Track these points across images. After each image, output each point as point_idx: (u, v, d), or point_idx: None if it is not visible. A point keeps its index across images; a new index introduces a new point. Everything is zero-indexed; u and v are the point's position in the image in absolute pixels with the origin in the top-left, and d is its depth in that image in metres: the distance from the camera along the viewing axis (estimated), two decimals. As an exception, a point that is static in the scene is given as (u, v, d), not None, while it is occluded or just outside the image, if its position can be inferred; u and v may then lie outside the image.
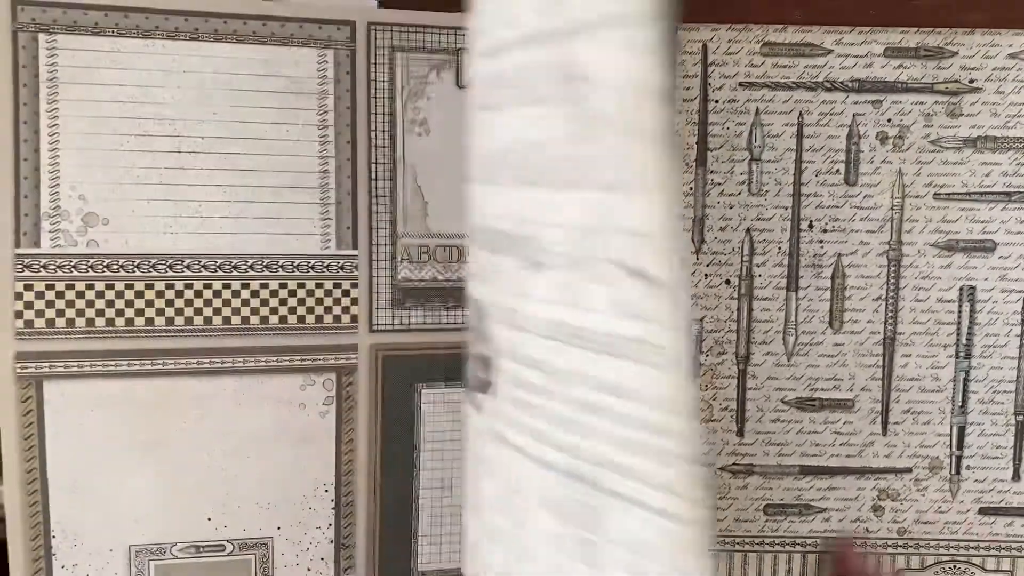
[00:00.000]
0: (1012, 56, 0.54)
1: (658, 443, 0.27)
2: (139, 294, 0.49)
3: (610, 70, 0.26)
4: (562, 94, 0.29)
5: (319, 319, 0.51)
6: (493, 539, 0.38)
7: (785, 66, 0.54)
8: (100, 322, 0.48)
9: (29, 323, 0.48)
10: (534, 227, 0.32)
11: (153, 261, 0.49)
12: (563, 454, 0.31)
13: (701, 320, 0.55)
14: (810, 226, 0.54)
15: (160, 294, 0.49)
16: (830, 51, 0.54)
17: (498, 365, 0.36)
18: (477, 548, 0.40)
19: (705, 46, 0.54)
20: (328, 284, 0.51)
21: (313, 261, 0.51)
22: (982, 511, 0.55)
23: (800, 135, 0.54)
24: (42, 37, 0.47)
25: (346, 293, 0.51)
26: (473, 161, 0.37)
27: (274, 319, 0.50)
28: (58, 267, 0.48)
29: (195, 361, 0.49)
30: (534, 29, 0.30)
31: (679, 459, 0.26)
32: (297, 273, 0.51)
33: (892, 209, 0.54)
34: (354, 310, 0.51)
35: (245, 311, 0.50)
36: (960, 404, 0.55)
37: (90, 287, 0.48)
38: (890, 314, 0.55)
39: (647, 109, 0.25)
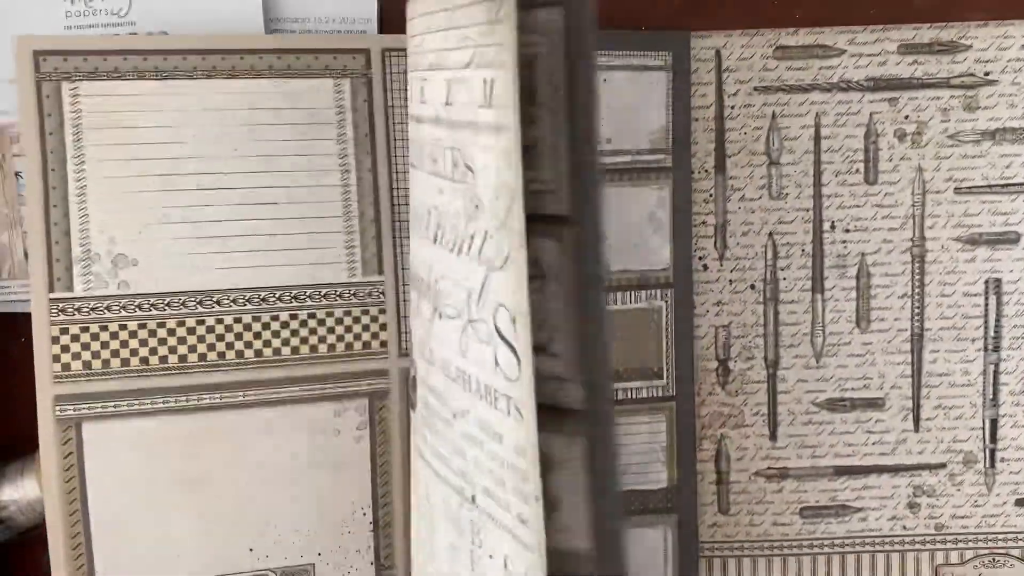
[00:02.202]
0: (1026, 47, 0.54)
1: (516, 481, 0.32)
2: (171, 332, 0.49)
3: (485, 169, 0.32)
4: (457, 176, 0.34)
5: (349, 346, 0.51)
6: (414, 541, 0.44)
7: (799, 68, 0.54)
8: (135, 362, 0.49)
9: (66, 366, 0.48)
10: (441, 281, 0.37)
11: (183, 299, 0.49)
12: (458, 477, 0.36)
13: (728, 326, 0.55)
14: (832, 227, 0.55)
15: (192, 331, 0.49)
16: (843, 51, 0.54)
17: (419, 389, 0.41)
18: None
19: (718, 52, 0.54)
20: (356, 311, 0.51)
21: (340, 289, 0.51)
22: (1019, 502, 0.55)
23: (818, 136, 0.54)
24: (64, 85, 0.47)
25: (374, 319, 0.52)
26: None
27: (305, 349, 0.51)
28: (92, 309, 0.48)
29: (229, 395, 0.50)
30: (440, 114, 0.36)
31: (530, 496, 0.31)
32: (325, 302, 0.51)
33: (913, 206, 0.54)
34: (383, 335, 0.52)
35: (276, 343, 0.50)
36: (991, 397, 0.55)
37: (123, 327, 0.49)
38: (916, 311, 0.55)
39: (511, 208, 0.30)
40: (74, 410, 0.48)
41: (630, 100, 0.53)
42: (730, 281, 0.55)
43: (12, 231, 0.52)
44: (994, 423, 0.55)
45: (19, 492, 0.51)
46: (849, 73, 0.54)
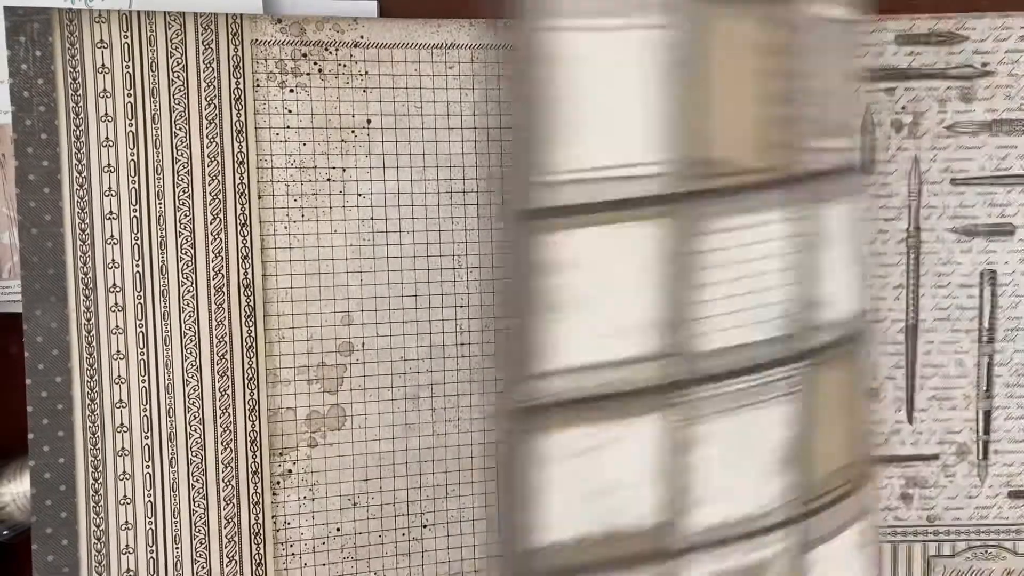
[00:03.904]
0: (1024, 38, 0.54)
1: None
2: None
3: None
4: None
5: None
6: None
7: (796, 58, 0.54)
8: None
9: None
10: None
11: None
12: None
13: (722, 315, 0.55)
14: (828, 217, 0.54)
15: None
16: (841, 41, 0.54)
17: None
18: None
19: (715, 41, 0.54)
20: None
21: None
22: (1011, 494, 0.55)
23: (814, 126, 0.54)
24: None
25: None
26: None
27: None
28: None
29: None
30: None
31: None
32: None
33: (909, 196, 0.54)
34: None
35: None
36: (985, 389, 0.55)
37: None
38: (911, 301, 0.55)
39: None
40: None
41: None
42: (725, 270, 0.55)
43: (12, 231, 0.52)
44: (988, 415, 0.55)
45: (19, 488, 0.51)
46: (846, 63, 0.54)
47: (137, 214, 0.48)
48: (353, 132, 0.50)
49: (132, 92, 0.48)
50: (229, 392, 0.50)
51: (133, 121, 0.48)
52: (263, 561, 0.51)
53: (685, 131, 0.33)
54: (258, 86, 0.49)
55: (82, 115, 0.48)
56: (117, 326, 0.48)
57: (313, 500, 0.51)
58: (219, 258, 0.49)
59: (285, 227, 0.50)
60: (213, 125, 0.49)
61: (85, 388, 0.48)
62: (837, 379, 0.39)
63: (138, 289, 0.49)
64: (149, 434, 0.49)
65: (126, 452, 0.49)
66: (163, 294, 0.49)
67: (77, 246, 0.48)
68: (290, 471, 0.51)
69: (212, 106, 0.49)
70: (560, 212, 0.32)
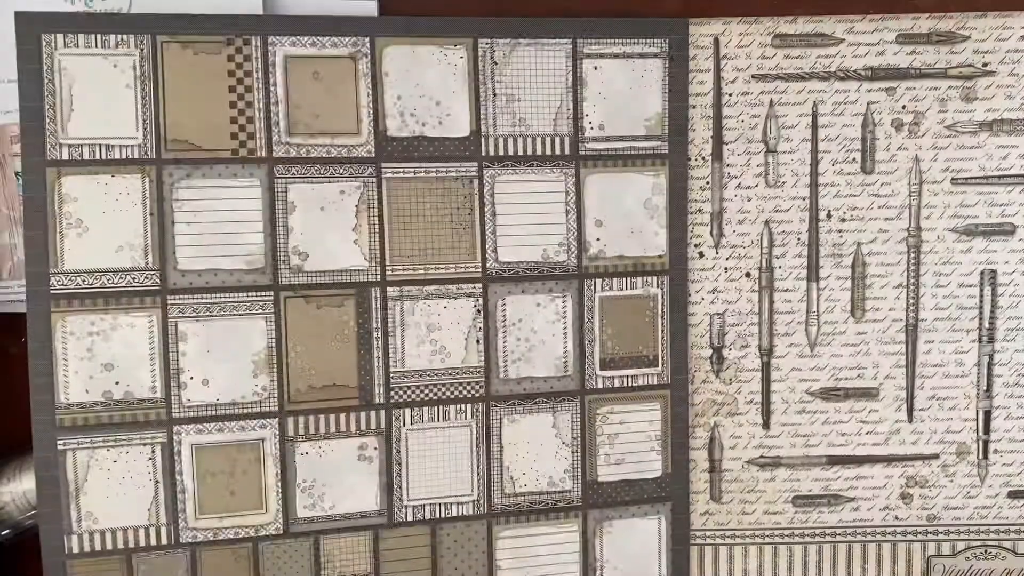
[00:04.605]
0: (1025, 38, 0.54)
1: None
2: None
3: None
4: None
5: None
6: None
7: (797, 57, 0.54)
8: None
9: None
10: None
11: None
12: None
13: (723, 314, 0.55)
14: (828, 216, 0.54)
15: None
16: (842, 40, 0.54)
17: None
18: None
19: (717, 40, 0.54)
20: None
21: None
22: (1011, 494, 0.55)
23: (815, 125, 0.54)
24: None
25: None
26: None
27: None
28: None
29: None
30: None
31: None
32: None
33: (910, 196, 0.54)
34: None
35: None
36: (985, 388, 0.55)
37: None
38: (911, 301, 0.55)
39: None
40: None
41: (623, 87, 0.53)
42: (725, 268, 0.55)
43: (12, 231, 0.52)
44: (988, 414, 0.55)
45: (19, 488, 0.51)
46: (847, 62, 0.54)
47: (138, 211, 0.49)
48: (353, 130, 0.51)
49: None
50: (229, 389, 0.50)
51: (134, 118, 0.48)
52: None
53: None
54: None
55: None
56: (117, 323, 0.49)
57: (312, 498, 0.51)
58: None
59: (285, 225, 0.50)
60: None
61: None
62: (316, 314, 0.49)
63: (138, 286, 0.49)
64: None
65: (126, 449, 0.49)
66: (163, 291, 0.49)
67: (78, 243, 0.48)
68: (289, 469, 0.51)
69: (213, 103, 0.49)
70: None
